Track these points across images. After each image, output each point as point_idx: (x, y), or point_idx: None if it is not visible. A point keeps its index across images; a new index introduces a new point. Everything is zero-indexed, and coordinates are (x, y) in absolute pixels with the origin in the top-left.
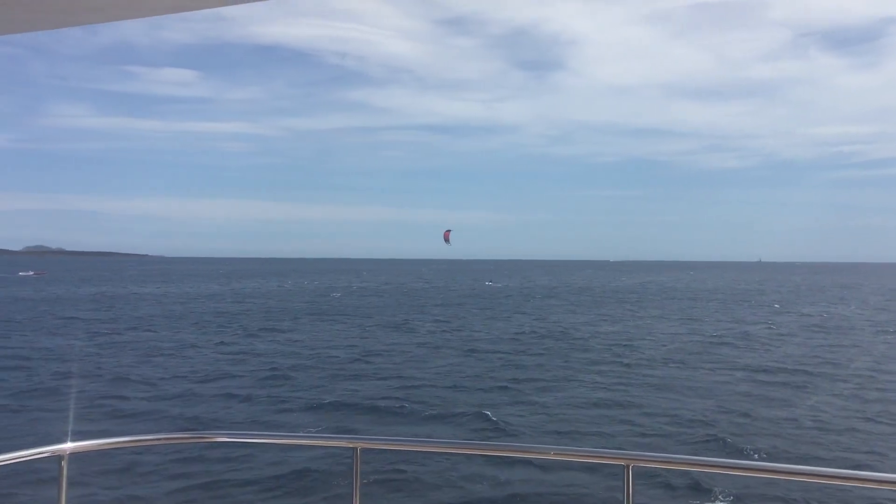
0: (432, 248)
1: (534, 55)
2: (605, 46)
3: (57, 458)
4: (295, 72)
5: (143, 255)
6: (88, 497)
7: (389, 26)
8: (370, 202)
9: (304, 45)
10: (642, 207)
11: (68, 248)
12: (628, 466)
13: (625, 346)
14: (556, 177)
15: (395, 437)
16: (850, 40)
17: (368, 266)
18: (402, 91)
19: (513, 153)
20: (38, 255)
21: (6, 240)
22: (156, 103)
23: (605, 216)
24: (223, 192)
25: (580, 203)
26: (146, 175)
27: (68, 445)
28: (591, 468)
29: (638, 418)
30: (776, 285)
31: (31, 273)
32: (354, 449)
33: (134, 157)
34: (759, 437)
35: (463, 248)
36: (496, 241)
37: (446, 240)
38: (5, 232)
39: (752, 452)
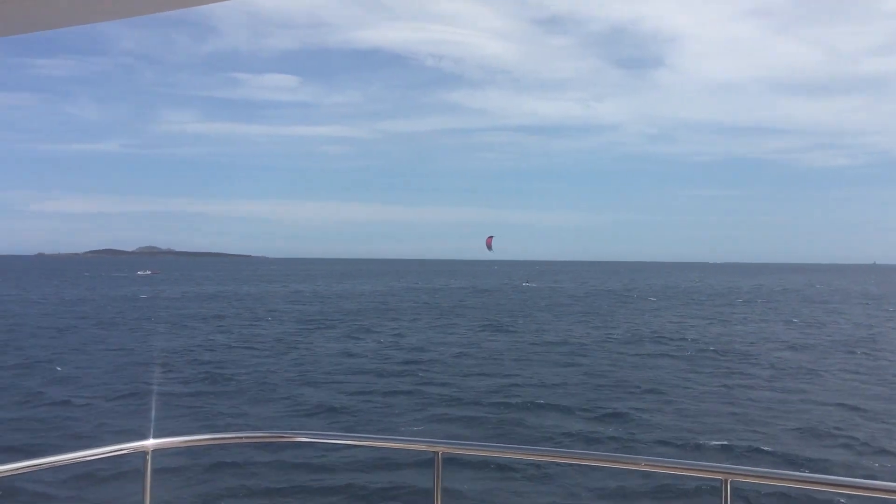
0: (528, 250)
1: (632, 52)
2: (706, 42)
3: (141, 454)
4: (392, 75)
5: (246, 256)
6: (171, 493)
7: (486, 27)
8: (465, 203)
9: (402, 49)
10: (745, 207)
11: (177, 249)
12: (726, 481)
13: (742, 350)
14: (655, 176)
15: (477, 441)
16: None
17: (464, 267)
18: (498, 92)
19: (610, 153)
20: (150, 255)
21: (120, 241)
22: (259, 108)
23: (705, 217)
24: (322, 195)
25: (679, 203)
26: (249, 178)
27: (152, 442)
28: (686, 482)
29: (750, 427)
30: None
31: (149, 272)
32: (436, 453)
33: (238, 160)
34: (887, 450)
35: (559, 250)
36: (592, 243)
37: (489, 247)
38: (119, 233)
39: (876, 468)
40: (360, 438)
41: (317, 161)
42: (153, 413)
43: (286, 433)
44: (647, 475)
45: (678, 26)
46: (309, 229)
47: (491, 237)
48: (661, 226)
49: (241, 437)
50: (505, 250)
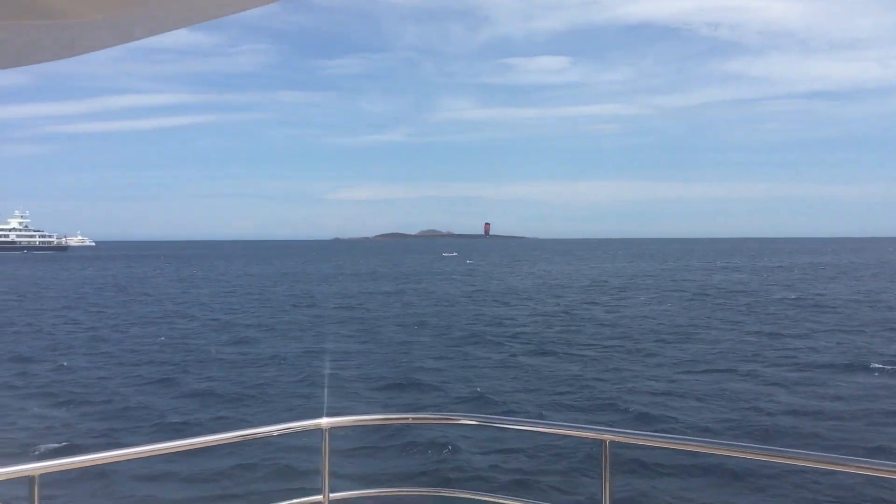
0: (820, 226)
1: None
2: None
3: (319, 431)
4: (665, 48)
5: (519, 238)
6: (346, 467)
7: None
8: (749, 178)
9: (675, 20)
10: None
11: (455, 232)
12: None
13: None
14: None
15: (648, 431)
16: None
17: (753, 245)
18: (783, 57)
19: None
20: (430, 238)
21: (405, 225)
22: (530, 91)
23: None
24: (594, 174)
25: None
26: (522, 161)
27: (328, 420)
28: None
29: None
30: None
31: (454, 254)
32: (603, 441)
33: (511, 144)
34: None
35: (857, 226)
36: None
37: (486, 232)
38: (404, 218)
39: None
40: (526, 423)
41: (588, 141)
42: (325, 395)
43: (453, 415)
44: (860, 481)
45: None
46: (581, 210)
47: (488, 224)
48: None
49: (409, 418)
50: (795, 227)
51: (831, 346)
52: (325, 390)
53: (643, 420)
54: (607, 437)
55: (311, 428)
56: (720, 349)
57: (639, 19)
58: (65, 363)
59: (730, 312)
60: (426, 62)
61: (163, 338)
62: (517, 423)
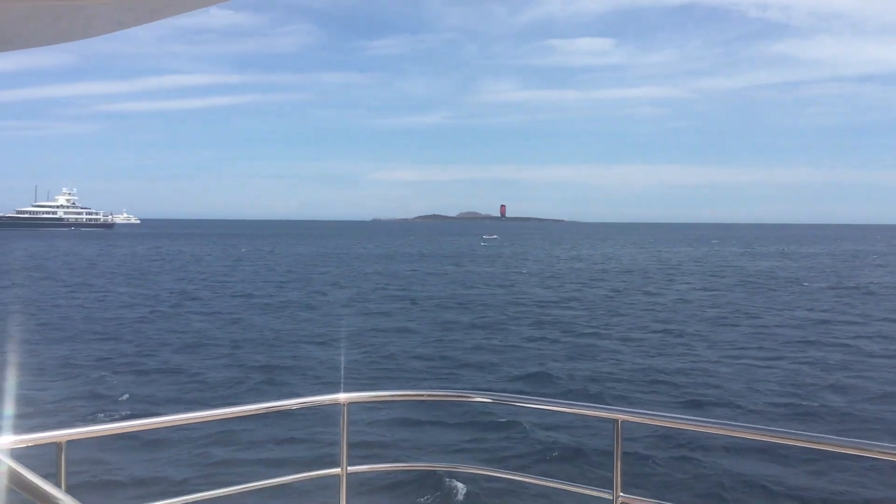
0: (869, 213)
1: None
2: None
3: (337, 406)
4: (711, 30)
5: (559, 221)
6: (363, 440)
7: None
8: (795, 163)
9: (723, 1)
10: None
11: (493, 215)
12: None
13: None
14: None
15: (659, 412)
16: None
17: (799, 231)
18: (833, 40)
19: None
20: (470, 220)
21: (444, 207)
22: (572, 73)
23: None
24: (636, 158)
25: None
26: (563, 144)
27: (345, 395)
28: None
29: None
30: None
31: (495, 236)
32: (615, 421)
33: (552, 127)
34: None
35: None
36: None
37: (502, 214)
38: (443, 200)
39: None
40: (540, 402)
41: (631, 124)
42: (342, 371)
43: (468, 392)
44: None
45: None
46: (623, 193)
47: (503, 206)
48: None
49: (424, 395)
50: (845, 213)
51: (883, 333)
52: (342, 366)
53: (694, 405)
54: (619, 416)
55: (330, 403)
56: (769, 335)
57: (685, 0)
58: (127, 338)
59: (778, 298)
60: (468, 43)
61: (221, 313)
62: (531, 401)
